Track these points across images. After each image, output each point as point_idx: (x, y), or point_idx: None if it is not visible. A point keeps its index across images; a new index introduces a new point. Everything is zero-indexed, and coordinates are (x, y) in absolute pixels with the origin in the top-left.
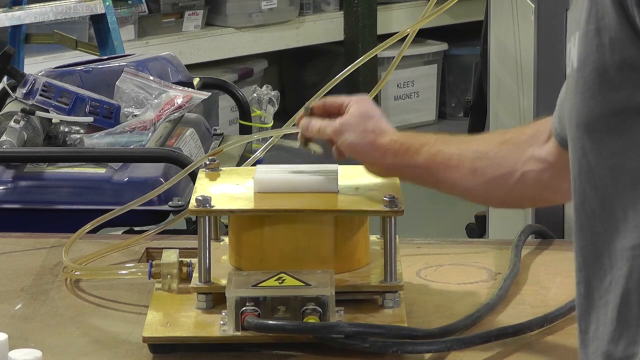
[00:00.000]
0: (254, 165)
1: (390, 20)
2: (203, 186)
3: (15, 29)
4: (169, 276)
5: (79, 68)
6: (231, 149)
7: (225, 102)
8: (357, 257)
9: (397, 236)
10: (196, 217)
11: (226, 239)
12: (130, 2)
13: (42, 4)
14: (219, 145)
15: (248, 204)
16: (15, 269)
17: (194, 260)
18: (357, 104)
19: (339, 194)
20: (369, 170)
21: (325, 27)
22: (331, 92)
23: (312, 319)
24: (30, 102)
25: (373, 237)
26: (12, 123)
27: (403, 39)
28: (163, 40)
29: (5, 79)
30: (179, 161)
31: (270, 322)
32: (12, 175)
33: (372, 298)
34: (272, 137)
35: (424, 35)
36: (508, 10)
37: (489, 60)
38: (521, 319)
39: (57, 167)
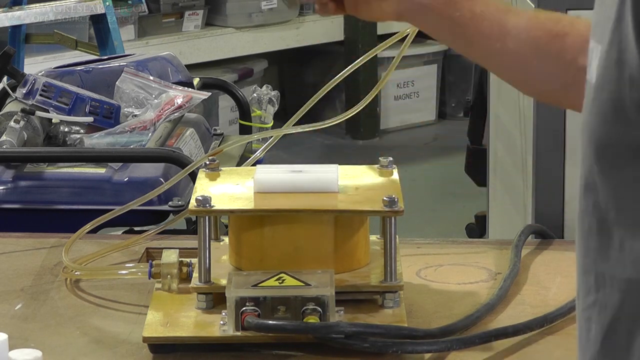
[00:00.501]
0: (254, 165)
1: None
2: (203, 186)
3: (15, 29)
4: (169, 276)
5: (79, 68)
6: (231, 149)
7: (225, 102)
8: (357, 257)
9: (397, 236)
10: (196, 217)
11: (226, 239)
12: (130, 2)
13: (42, 4)
14: (219, 145)
15: (248, 204)
16: (15, 269)
17: (194, 260)
18: None
19: (339, 194)
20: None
21: (325, 27)
22: (331, 92)
23: (312, 319)
24: (30, 102)
25: (373, 237)
26: (12, 123)
27: (403, 39)
28: (163, 40)
29: (5, 79)
30: (179, 161)
31: (270, 322)
32: (12, 175)
33: (372, 298)
34: (272, 137)
35: (424, 35)
36: None
37: None
38: (521, 319)
39: (57, 167)
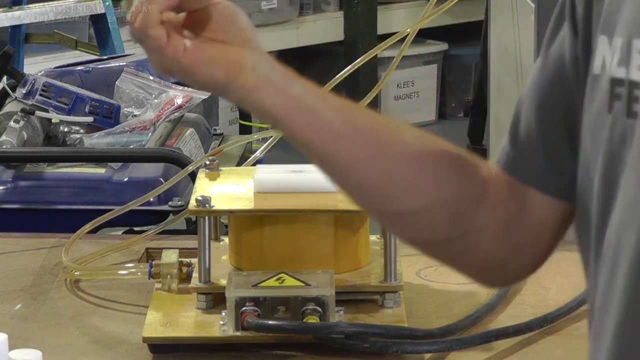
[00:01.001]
0: (254, 165)
1: (390, 20)
2: (203, 186)
3: (15, 29)
4: (169, 276)
5: (79, 68)
6: (231, 149)
7: (225, 102)
8: (357, 257)
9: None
10: (196, 217)
11: (226, 239)
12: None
13: (42, 4)
14: (219, 145)
15: (248, 204)
16: (15, 269)
17: (194, 260)
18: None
19: (339, 194)
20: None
21: (325, 27)
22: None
23: (312, 319)
24: (30, 102)
25: (373, 237)
26: (12, 123)
27: (403, 39)
28: None
29: (5, 79)
30: (179, 161)
31: (270, 322)
32: (12, 175)
33: (372, 298)
34: (272, 137)
35: (424, 35)
36: (508, 10)
37: (489, 60)
38: (521, 319)
39: (57, 167)
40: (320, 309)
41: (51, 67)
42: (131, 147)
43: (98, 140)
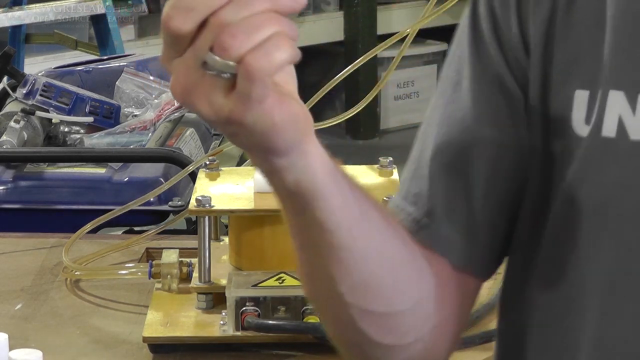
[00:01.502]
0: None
1: (390, 20)
2: (203, 186)
3: (15, 29)
4: (169, 276)
5: (79, 68)
6: (231, 149)
7: None
8: None
9: None
10: (196, 217)
11: (226, 239)
12: (130, 2)
13: (42, 4)
14: (219, 145)
15: (248, 204)
16: (15, 269)
17: (194, 260)
18: None
19: None
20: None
21: (325, 27)
22: (331, 92)
23: (312, 319)
24: (30, 102)
25: None
26: (12, 123)
27: (403, 39)
28: None
29: (5, 79)
30: (179, 161)
31: (270, 322)
32: (12, 175)
33: None
34: None
35: (424, 35)
36: None
37: None
38: None
39: (57, 167)
40: None
41: (51, 67)
42: (131, 147)
43: (98, 141)
